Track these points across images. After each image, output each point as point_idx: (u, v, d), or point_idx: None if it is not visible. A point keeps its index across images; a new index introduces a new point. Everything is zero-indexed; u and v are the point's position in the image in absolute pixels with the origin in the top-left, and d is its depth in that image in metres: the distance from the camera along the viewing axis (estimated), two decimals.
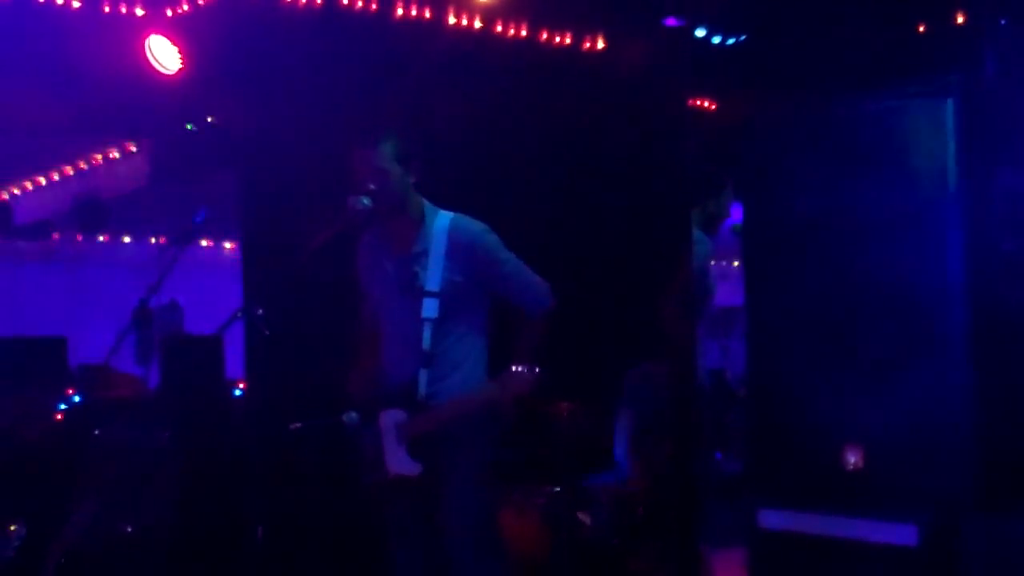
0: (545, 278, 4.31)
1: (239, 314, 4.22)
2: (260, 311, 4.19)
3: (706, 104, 6.78)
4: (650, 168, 5.75)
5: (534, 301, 4.22)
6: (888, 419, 3.40)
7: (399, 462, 4.05)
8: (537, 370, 3.98)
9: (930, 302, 3.37)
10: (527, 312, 4.22)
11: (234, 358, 7.06)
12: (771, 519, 3.60)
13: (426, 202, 4.29)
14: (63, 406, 6.41)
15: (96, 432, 6.36)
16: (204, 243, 12.04)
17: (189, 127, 7.32)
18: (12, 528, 4.13)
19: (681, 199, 5.43)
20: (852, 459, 3.49)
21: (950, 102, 3.38)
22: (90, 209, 9.12)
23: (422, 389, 4.10)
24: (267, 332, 4.31)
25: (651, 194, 5.75)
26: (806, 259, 3.58)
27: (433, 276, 4.14)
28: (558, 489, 5.60)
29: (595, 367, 5.83)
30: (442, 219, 4.23)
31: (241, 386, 6.99)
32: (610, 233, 5.80)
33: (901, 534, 3.33)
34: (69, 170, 9.20)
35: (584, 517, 5.64)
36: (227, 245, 12.01)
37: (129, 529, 5.97)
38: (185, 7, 5.96)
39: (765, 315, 3.70)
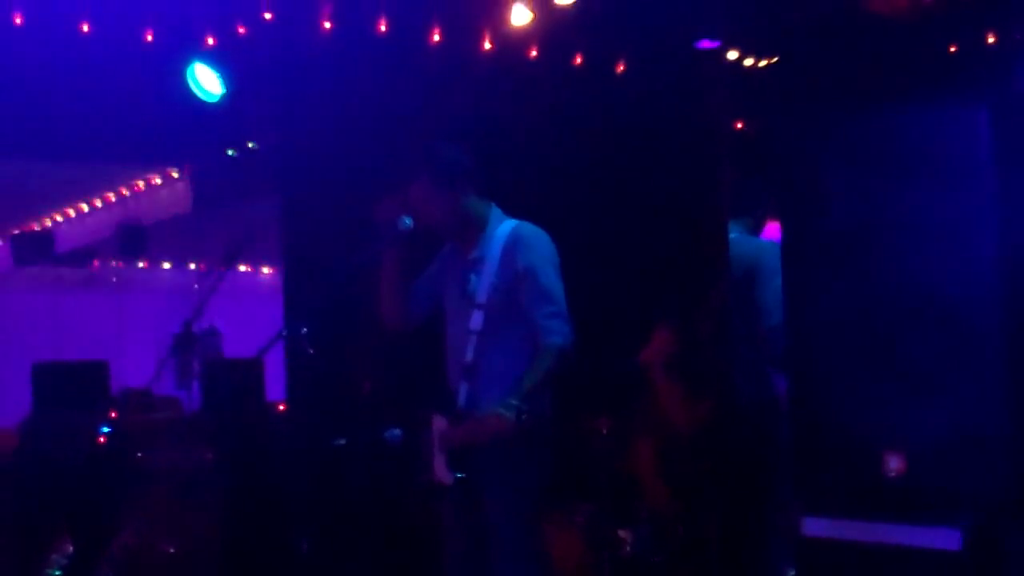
0: (583, 294, 4.24)
1: (282, 334, 4.27)
2: (304, 330, 4.24)
3: (741, 124, 6.83)
4: (687, 185, 5.78)
5: (551, 331, 4.03)
6: (929, 426, 3.41)
7: (439, 469, 4.09)
8: (524, 414, 3.85)
9: (969, 310, 3.38)
10: (541, 340, 4.05)
11: (274, 381, 7.14)
12: (815, 527, 3.62)
13: (495, 210, 4.26)
14: (106, 429, 6.48)
15: (139, 455, 6.44)
16: (242, 269, 12.15)
17: (230, 153, 7.42)
18: (59, 548, 4.19)
19: (718, 216, 5.45)
20: (894, 466, 3.50)
21: (984, 112, 3.40)
22: (131, 235, 9.23)
23: (461, 401, 4.11)
24: (311, 351, 4.36)
25: (688, 211, 5.78)
26: (845, 269, 3.59)
27: (483, 286, 4.13)
28: (598, 507, 5.61)
29: (634, 384, 5.85)
30: (504, 227, 4.21)
31: (281, 407, 7.07)
32: (648, 249, 5.83)
33: (944, 539, 3.33)
34: (111, 197, 9.32)
35: (625, 535, 5.64)
36: (264, 270, 12.13)
37: (172, 550, 6.04)
38: (227, 35, 6.05)
39: (805, 325, 3.72)
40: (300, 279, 6.26)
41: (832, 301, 3.65)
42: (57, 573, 4.09)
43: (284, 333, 4.26)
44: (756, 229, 5.36)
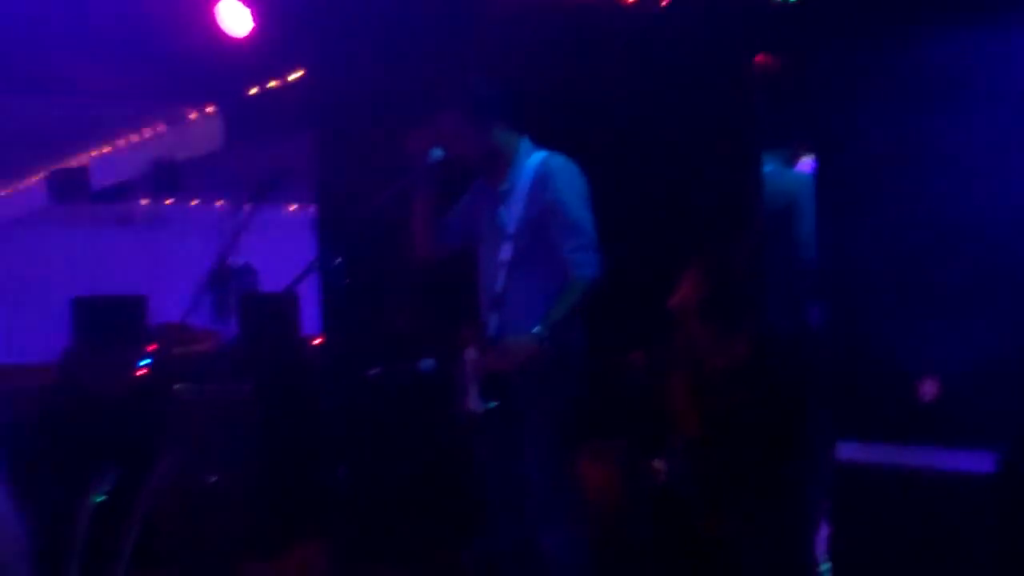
0: (612, 228, 4.21)
1: (315, 265, 4.30)
2: (339, 260, 4.27)
3: (773, 58, 6.75)
4: (719, 119, 5.75)
5: (580, 263, 4.04)
6: (964, 351, 3.42)
7: (471, 398, 4.13)
8: (546, 340, 3.91)
9: (1004, 236, 3.37)
10: (570, 271, 4.06)
11: (310, 318, 7.20)
12: (851, 452, 3.64)
13: (525, 141, 4.26)
14: (145, 362, 6.56)
15: (177, 387, 6.52)
16: (276, 206, 12.19)
17: (263, 88, 7.43)
18: (100, 476, 4.26)
19: (751, 150, 5.42)
20: (929, 391, 3.51)
21: (1021, 38, 3.37)
22: (165, 172, 9.28)
23: (491, 331, 4.14)
24: (346, 280, 4.39)
25: (720, 145, 5.74)
26: (881, 198, 3.59)
27: (512, 217, 4.15)
28: (633, 439, 5.64)
29: (667, 316, 5.85)
30: (534, 159, 4.21)
31: (317, 341, 7.13)
32: (679, 184, 5.81)
33: (978, 462, 3.35)
34: (145, 134, 9.36)
35: (659, 465, 5.67)
36: (298, 207, 12.17)
37: (214, 479, 6.12)
38: None
39: (842, 255, 3.71)
40: (333, 213, 6.28)
41: (868, 230, 3.65)
42: (99, 500, 4.16)
43: (318, 264, 4.29)
44: (791, 162, 5.33)
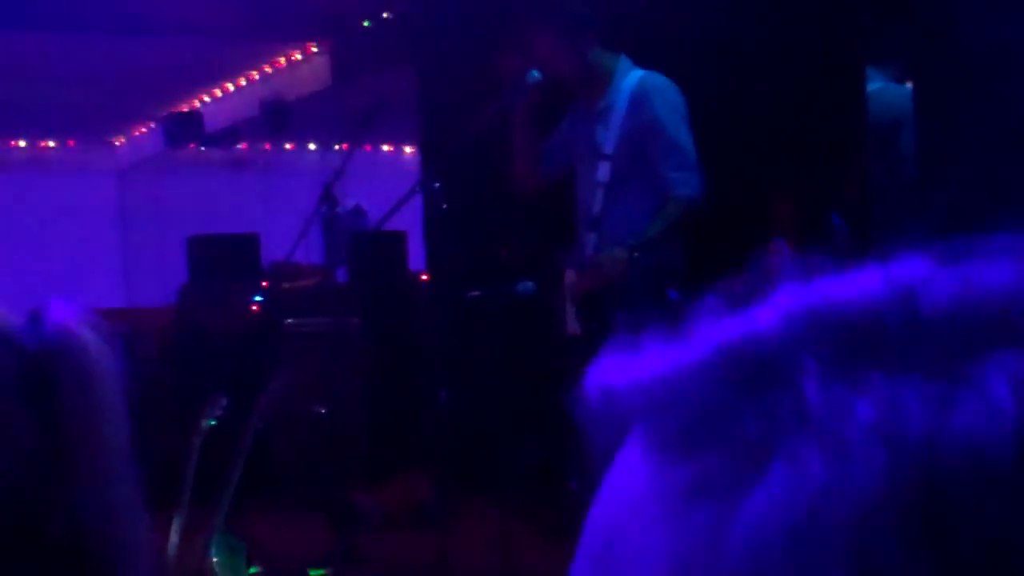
0: (715, 149, 4.15)
1: (417, 188, 4.34)
2: (437, 185, 4.29)
3: None
4: (822, 35, 5.63)
5: (679, 181, 3.99)
6: None
7: (570, 320, 4.14)
8: (637, 254, 3.85)
9: None
10: (669, 189, 4.01)
11: (417, 254, 7.27)
12: None
13: (623, 60, 4.21)
14: (258, 298, 6.69)
15: (289, 321, 6.65)
16: (385, 148, 12.31)
17: (367, 24, 7.48)
18: (213, 401, 4.38)
19: (855, 63, 5.30)
20: None
21: None
22: (275, 113, 9.41)
23: (588, 252, 4.13)
24: (445, 205, 4.42)
25: (823, 61, 5.63)
26: (983, 109, 3.49)
27: (610, 137, 4.10)
28: None
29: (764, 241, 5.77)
30: (632, 77, 4.15)
31: (424, 277, 7.20)
32: (781, 103, 5.71)
33: None
34: (255, 75, 9.50)
35: None
36: (408, 150, 12.26)
37: (323, 410, 6.25)
38: None
39: (944, 168, 3.64)
40: (435, 143, 6.31)
41: (970, 143, 3.57)
42: (212, 423, 4.28)
43: (418, 188, 4.32)
44: (900, 78, 5.20)
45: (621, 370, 0.45)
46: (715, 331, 0.43)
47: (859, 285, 0.41)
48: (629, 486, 0.44)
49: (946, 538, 0.35)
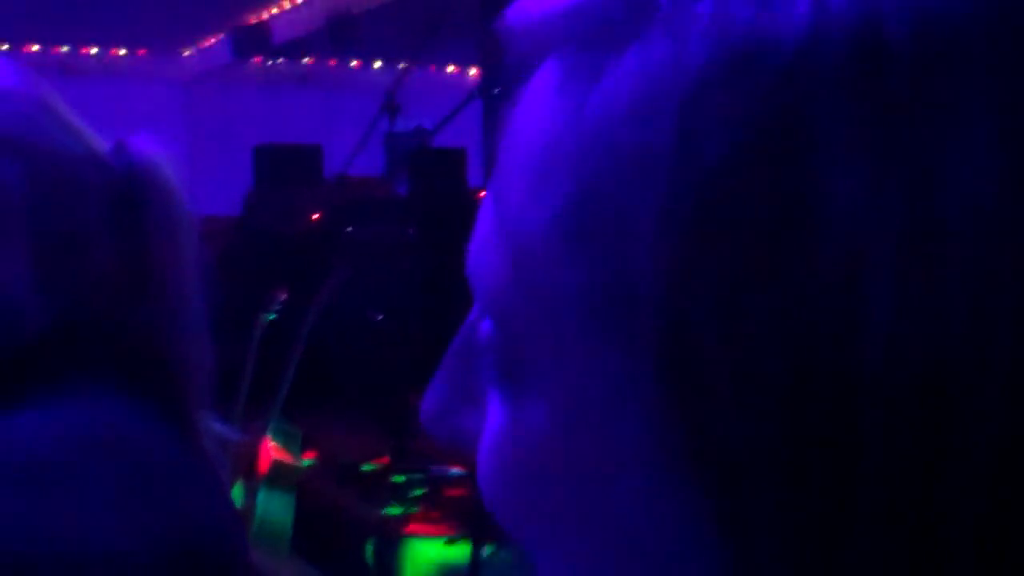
0: None
1: (475, 93, 4.42)
2: (497, 90, 4.36)
3: None
4: None
5: None
6: None
7: None
8: None
9: None
10: None
11: (476, 170, 7.34)
12: None
13: None
14: (319, 208, 6.82)
15: (349, 229, 6.78)
16: (450, 69, 12.34)
17: None
18: (274, 296, 4.54)
19: None
20: None
21: None
22: (342, 25, 9.47)
23: None
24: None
25: None
26: None
27: None
28: None
29: None
30: None
31: (482, 194, 7.28)
32: None
33: None
34: None
35: None
36: (471, 71, 12.28)
37: (380, 317, 6.40)
38: None
39: None
40: (494, 54, 6.36)
41: None
42: (271, 316, 4.43)
43: (478, 92, 4.40)
44: None
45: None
46: None
47: None
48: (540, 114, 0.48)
49: (746, 100, 0.41)
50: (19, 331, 1.11)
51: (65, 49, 11.53)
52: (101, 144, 1.22)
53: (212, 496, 1.18)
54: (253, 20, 10.55)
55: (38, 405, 1.08)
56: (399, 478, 4.83)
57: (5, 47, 9.93)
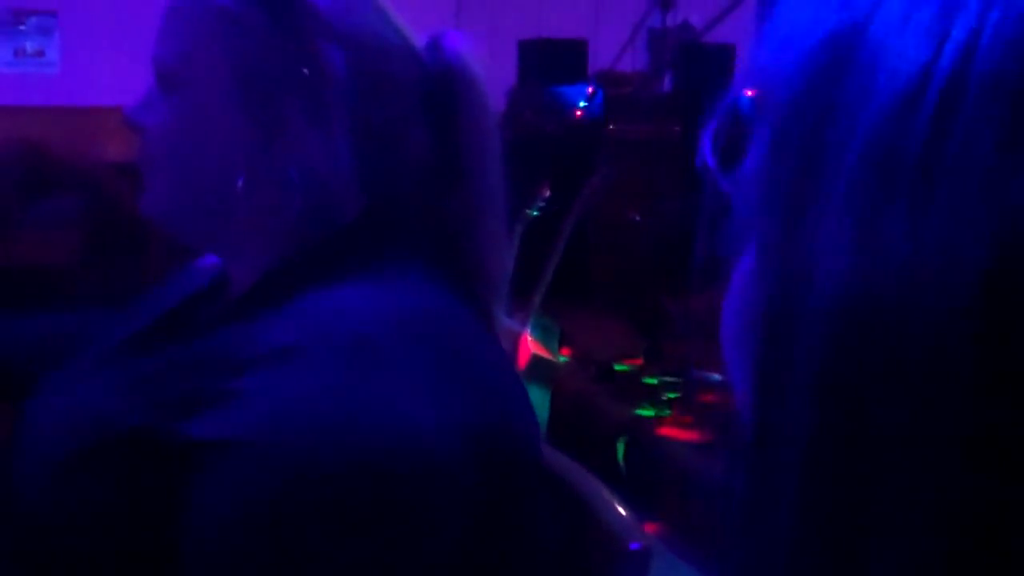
0: None
1: None
2: None
3: None
4: None
5: None
6: None
7: None
8: None
9: None
10: None
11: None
12: None
13: None
14: (582, 103, 6.80)
15: (611, 127, 6.75)
16: None
17: None
18: (538, 193, 4.56)
19: None
20: None
21: None
22: None
23: None
24: None
25: None
26: None
27: None
28: None
29: None
30: None
31: (749, 93, 7.11)
32: None
33: None
34: None
35: None
36: None
37: (638, 218, 6.37)
38: None
39: None
40: None
41: None
42: (535, 212, 4.46)
43: None
44: None
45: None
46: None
47: None
48: None
49: None
50: (339, 214, 1.16)
51: None
52: (415, 38, 1.23)
53: (515, 387, 1.19)
54: None
55: (356, 284, 1.11)
56: (651, 380, 4.82)
57: None
